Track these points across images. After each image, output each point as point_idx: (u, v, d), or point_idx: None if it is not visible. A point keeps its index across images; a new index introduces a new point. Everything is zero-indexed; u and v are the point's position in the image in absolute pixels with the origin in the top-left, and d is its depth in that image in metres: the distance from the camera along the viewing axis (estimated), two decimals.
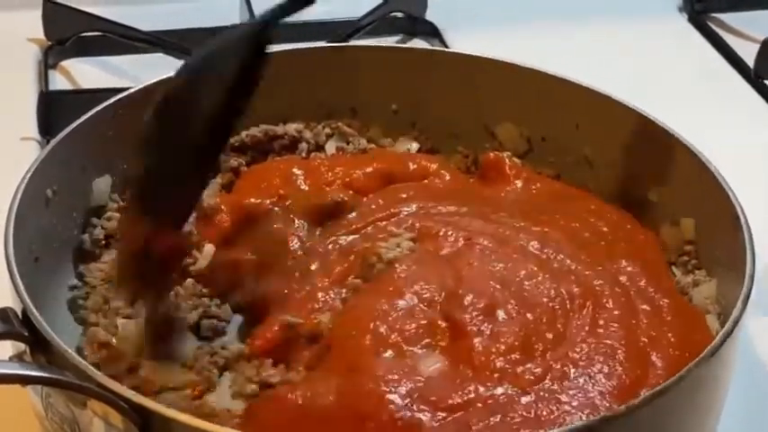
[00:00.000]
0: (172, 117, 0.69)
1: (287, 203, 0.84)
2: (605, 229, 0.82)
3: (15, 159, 1.03)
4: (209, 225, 0.83)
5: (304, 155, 0.91)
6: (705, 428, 0.69)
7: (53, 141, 0.79)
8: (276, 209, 0.83)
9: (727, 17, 1.32)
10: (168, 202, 0.71)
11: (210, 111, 0.68)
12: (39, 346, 0.64)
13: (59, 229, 0.79)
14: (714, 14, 1.33)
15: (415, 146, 0.95)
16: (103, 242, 0.82)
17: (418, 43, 1.23)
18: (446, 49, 1.15)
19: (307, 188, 0.86)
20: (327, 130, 0.93)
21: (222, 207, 0.83)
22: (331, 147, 0.93)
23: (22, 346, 0.65)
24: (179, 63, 1.11)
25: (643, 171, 0.86)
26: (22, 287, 0.67)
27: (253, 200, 0.84)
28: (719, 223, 0.76)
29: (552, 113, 0.90)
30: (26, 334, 0.64)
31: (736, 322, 0.66)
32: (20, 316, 0.65)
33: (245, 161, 0.90)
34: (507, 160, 0.89)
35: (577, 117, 0.89)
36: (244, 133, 0.90)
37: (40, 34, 1.20)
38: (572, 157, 0.90)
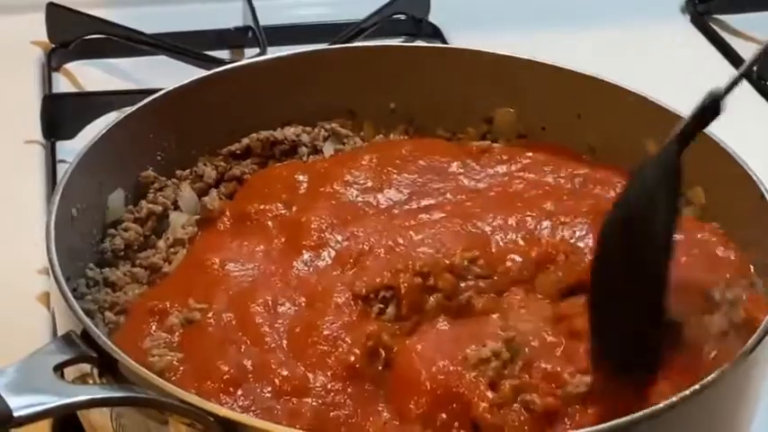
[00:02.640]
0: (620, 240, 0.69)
1: (293, 209, 0.83)
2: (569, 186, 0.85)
3: (19, 162, 1.04)
4: (210, 230, 0.83)
5: (305, 159, 0.91)
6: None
7: (75, 159, 0.79)
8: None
9: (730, 18, 1.32)
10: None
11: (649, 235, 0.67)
12: (106, 366, 0.63)
13: (81, 246, 0.79)
14: (716, 16, 1.33)
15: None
16: (122, 252, 0.82)
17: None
18: (444, 45, 1.16)
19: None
20: (324, 133, 0.93)
21: (226, 212, 0.84)
22: (329, 149, 0.93)
23: (83, 368, 0.64)
24: (182, 65, 1.14)
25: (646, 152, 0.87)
26: (79, 309, 0.66)
27: (255, 205, 0.83)
28: (734, 192, 0.79)
29: (553, 104, 0.91)
30: (94, 355, 0.64)
31: None
32: (81, 338, 0.64)
33: (248, 169, 0.90)
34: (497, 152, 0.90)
35: (579, 106, 0.90)
36: (245, 140, 0.90)
37: (44, 37, 1.20)
38: (574, 145, 0.91)
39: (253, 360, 0.69)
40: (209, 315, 0.73)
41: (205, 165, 0.89)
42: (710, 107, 0.66)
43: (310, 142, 0.92)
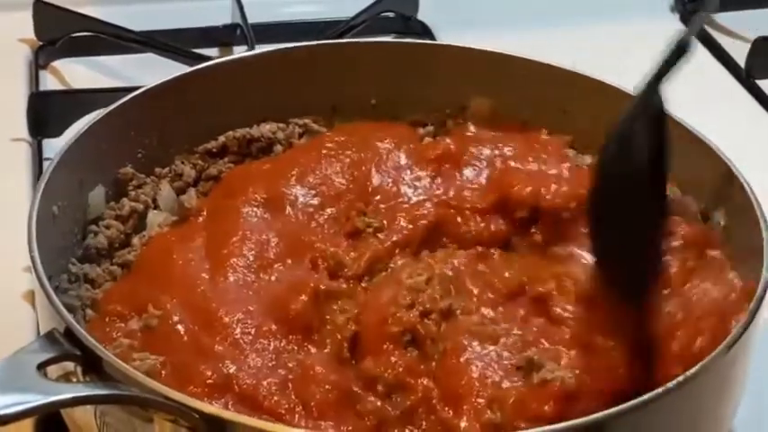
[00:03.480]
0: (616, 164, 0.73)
1: (265, 205, 0.83)
2: None
3: (5, 160, 1.03)
4: (187, 227, 0.83)
5: None
6: (721, 423, 0.70)
7: (56, 157, 0.79)
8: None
9: (719, 17, 1.32)
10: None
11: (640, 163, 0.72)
12: (90, 364, 0.63)
13: (63, 243, 0.79)
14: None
15: None
16: (105, 251, 0.82)
17: None
18: (426, 41, 1.15)
19: None
20: (298, 129, 0.93)
21: (203, 210, 0.84)
22: None
23: (67, 366, 0.64)
24: (170, 63, 1.13)
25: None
26: (61, 307, 0.66)
27: (230, 202, 0.83)
28: (723, 196, 0.80)
29: (538, 99, 0.91)
30: (78, 353, 0.63)
31: (752, 316, 0.67)
32: (64, 336, 0.64)
33: (225, 168, 0.90)
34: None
35: (564, 102, 0.90)
36: (221, 138, 0.90)
37: (31, 35, 1.20)
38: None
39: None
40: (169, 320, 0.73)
41: (183, 163, 0.89)
42: (680, 48, 0.71)
43: (285, 139, 0.92)
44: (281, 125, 0.93)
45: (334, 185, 0.85)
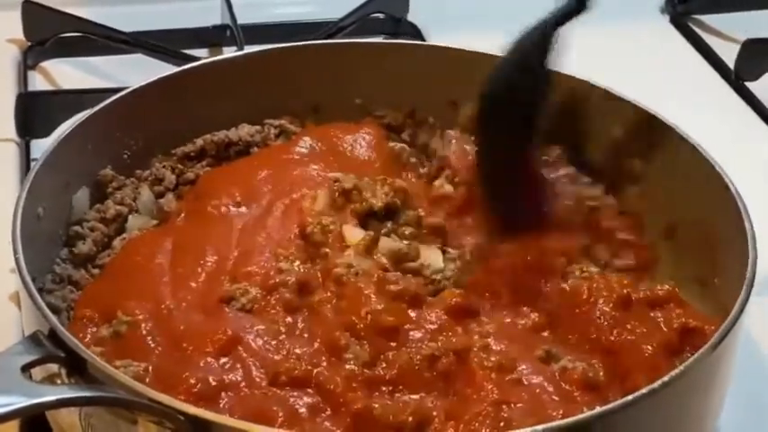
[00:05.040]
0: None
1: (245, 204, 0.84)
2: None
3: None
4: (160, 231, 0.83)
5: None
6: (705, 422, 0.70)
7: (42, 158, 0.79)
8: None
9: (709, 18, 1.32)
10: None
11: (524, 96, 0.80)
12: (74, 365, 0.63)
13: (48, 244, 0.79)
14: (695, 16, 1.33)
15: None
16: (92, 253, 0.82)
17: None
18: (417, 42, 1.16)
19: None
20: (274, 131, 0.93)
21: (181, 213, 0.84)
22: None
23: (51, 368, 0.64)
24: (160, 64, 1.13)
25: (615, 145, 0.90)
26: (46, 308, 0.66)
27: (211, 208, 0.84)
28: (706, 198, 0.80)
29: None
30: (62, 355, 0.63)
31: (737, 317, 0.67)
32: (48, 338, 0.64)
33: (202, 171, 0.90)
34: None
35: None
36: (198, 142, 0.90)
37: (20, 35, 1.20)
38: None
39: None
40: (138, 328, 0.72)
41: (164, 167, 0.89)
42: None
43: (262, 141, 0.92)
44: (258, 127, 0.93)
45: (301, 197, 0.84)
